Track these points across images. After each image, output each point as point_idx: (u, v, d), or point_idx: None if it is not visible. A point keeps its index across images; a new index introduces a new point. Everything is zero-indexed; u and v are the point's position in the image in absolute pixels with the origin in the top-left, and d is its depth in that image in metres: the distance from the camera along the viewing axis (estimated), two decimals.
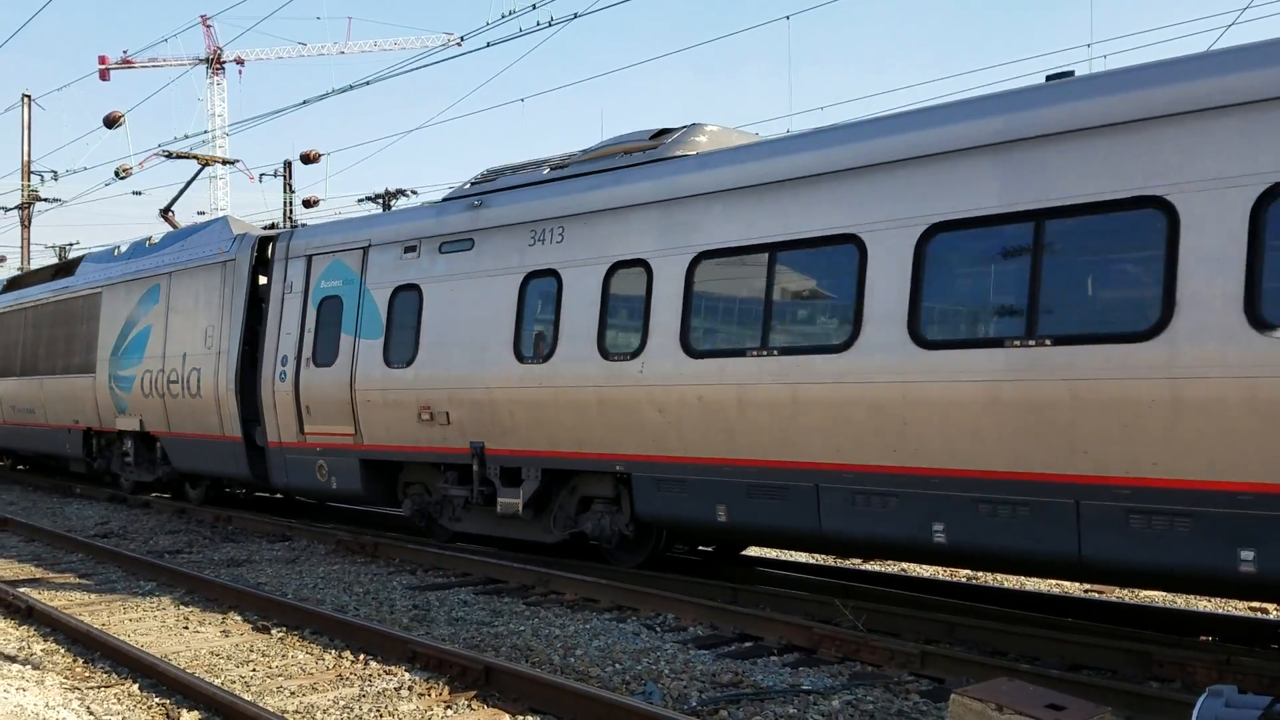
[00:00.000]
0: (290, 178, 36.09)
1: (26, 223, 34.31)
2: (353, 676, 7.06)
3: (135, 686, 6.80)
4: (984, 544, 7.61)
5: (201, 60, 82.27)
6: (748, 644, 7.91)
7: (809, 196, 8.63)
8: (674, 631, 8.29)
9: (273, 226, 15.94)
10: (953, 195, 7.77)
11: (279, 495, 15.64)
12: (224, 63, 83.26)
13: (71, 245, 43.84)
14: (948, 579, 10.46)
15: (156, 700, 6.52)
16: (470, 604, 9.35)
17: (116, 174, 27.80)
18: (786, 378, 8.55)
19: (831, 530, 8.43)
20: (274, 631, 8.37)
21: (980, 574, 10.80)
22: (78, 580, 10.77)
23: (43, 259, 43.82)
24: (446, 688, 6.72)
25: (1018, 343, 7.30)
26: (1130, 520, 6.90)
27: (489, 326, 10.96)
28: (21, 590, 9.63)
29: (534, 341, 10.50)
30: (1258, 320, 6.38)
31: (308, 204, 34.78)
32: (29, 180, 33.75)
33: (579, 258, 10.26)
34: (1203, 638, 8.10)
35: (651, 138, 10.51)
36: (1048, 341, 7.17)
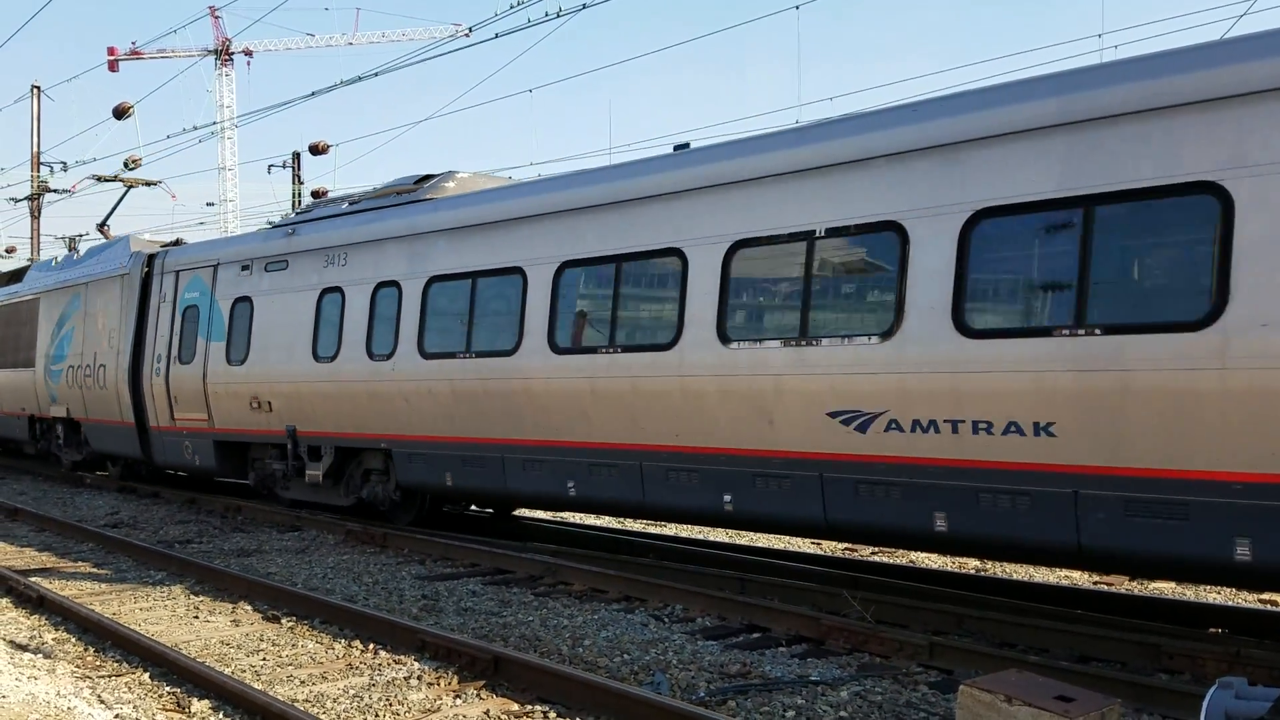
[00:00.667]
0: (299, 169, 36.15)
1: (36, 214, 34.38)
2: (362, 666, 7.09)
3: (146, 675, 6.84)
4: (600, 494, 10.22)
5: (210, 51, 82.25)
6: (756, 635, 7.92)
7: (494, 239, 11.34)
8: (682, 622, 8.30)
9: (177, 242, 18.03)
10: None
11: (169, 471, 18.18)
12: (232, 54, 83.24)
13: (81, 236, 43.95)
14: (956, 570, 10.45)
15: (167, 689, 6.55)
16: (479, 594, 9.37)
17: (126, 165, 27.84)
18: (479, 374, 11.18)
19: (514, 488, 11.12)
20: (284, 621, 8.40)
21: (989, 565, 10.79)
22: (88, 570, 10.82)
23: (52, 249, 43.98)
24: (455, 677, 6.74)
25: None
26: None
27: (297, 332, 13.74)
28: (33, 579, 9.68)
29: (326, 344, 13.27)
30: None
31: (316, 195, 34.80)
32: (39, 171, 33.82)
33: (356, 278, 13.00)
34: (1212, 630, 8.08)
35: (415, 183, 13.15)
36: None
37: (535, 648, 7.47)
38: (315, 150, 30.59)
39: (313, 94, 21.10)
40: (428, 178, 13.14)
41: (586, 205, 10.39)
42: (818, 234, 8.47)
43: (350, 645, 7.61)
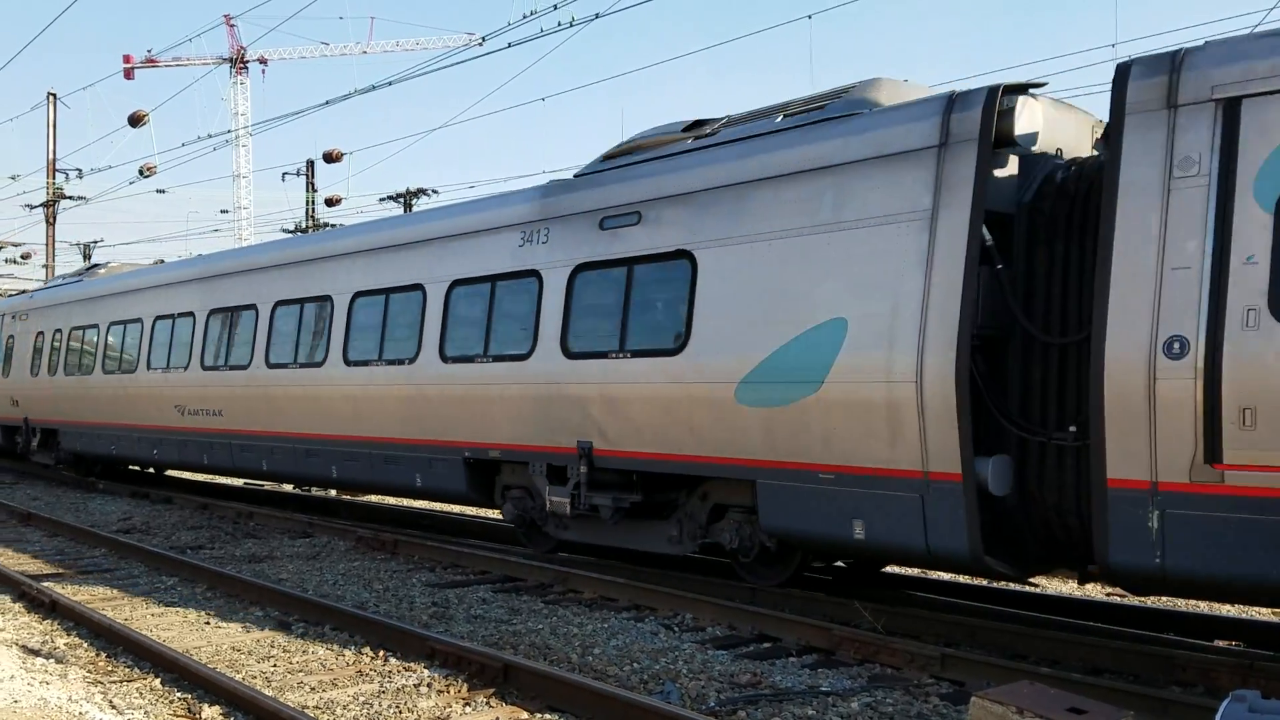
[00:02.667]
0: (313, 177, 36.31)
1: (52, 220, 34.60)
2: (372, 673, 7.09)
3: (157, 681, 6.85)
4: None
5: (225, 60, 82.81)
6: (766, 645, 7.90)
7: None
8: (692, 631, 8.28)
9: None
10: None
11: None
12: (247, 62, 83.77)
13: (96, 243, 44.26)
14: (968, 583, 10.40)
15: (178, 695, 6.57)
16: (489, 602, 9.37)
17: (140, 172, 28.02)
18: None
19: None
20: (295, 627, 8.41)
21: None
22: (101, 575, 10.87)
23: (67, 256, 44.25)
24: (465, 685, 6.74)
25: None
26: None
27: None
28: (45, 585, 9.72)
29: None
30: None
31: (330, 203, 34.97)
32: (54, 178, 34.04)
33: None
34: (1225, 642, 8.03)
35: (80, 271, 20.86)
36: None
37: (545, 656, 7.47)
38: (329, 158, 30.75)
39: (327, 103, 21.23)
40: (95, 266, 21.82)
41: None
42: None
43: (360, 652, 7.62)
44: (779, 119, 9.09)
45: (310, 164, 36.21)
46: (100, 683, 6.73)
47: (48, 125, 33.62)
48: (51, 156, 33.94)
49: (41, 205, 34.42)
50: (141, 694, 6.57)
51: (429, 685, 6.76)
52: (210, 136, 28.79)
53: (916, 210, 7.60)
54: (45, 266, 35.82)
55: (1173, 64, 6.52)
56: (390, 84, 18.93)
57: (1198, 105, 6.38)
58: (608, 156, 10.62)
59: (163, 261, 20.50)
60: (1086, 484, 6.97)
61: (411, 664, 7.25)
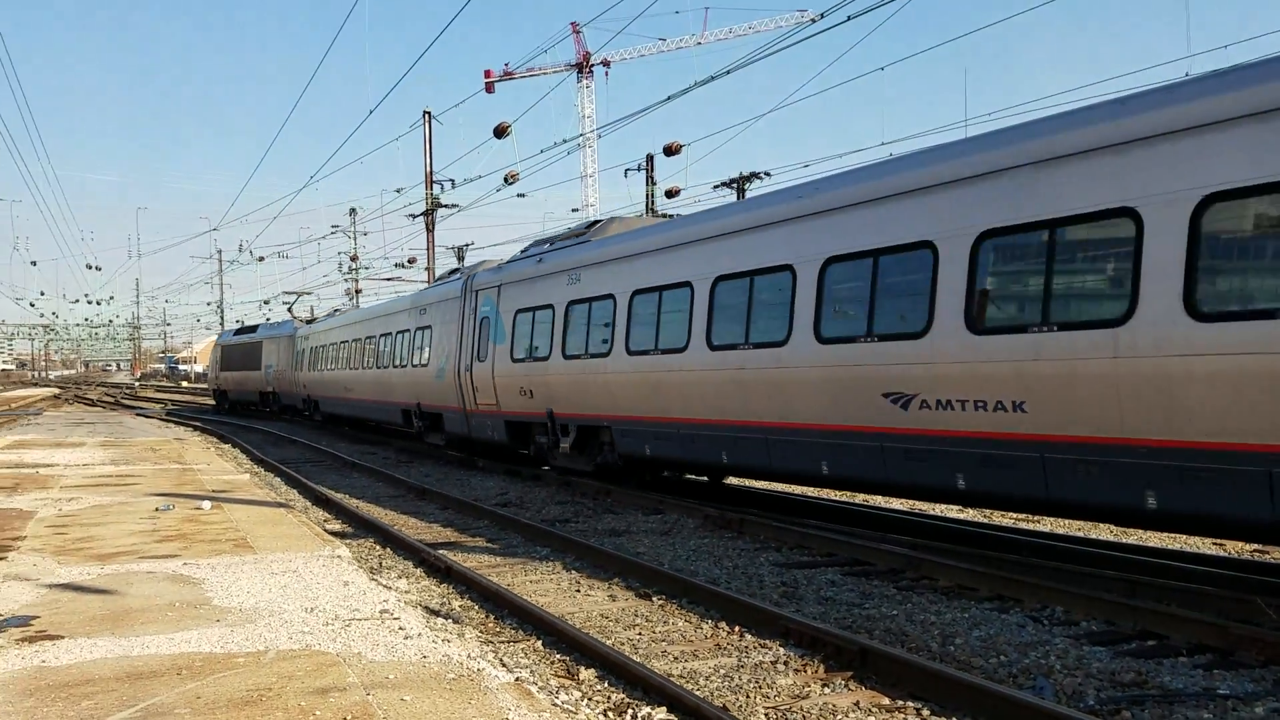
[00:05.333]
0: (652, 170, 37.85)
1: (430, 227, 38.61)
2: (729, 647, 7.29)
3: (539, 643, 7.47)
4: None
5: (572, 66, 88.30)
6: (1150, 642, 7.23)
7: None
8: (1063, 625, 7.76)
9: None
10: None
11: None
12: (592, 66, 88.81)
13: (468, 245, 48.88)
14: None
15: (557, 657, 7.11)
16: (838, 584, 9.32)
17: (505, 179, 30.54)
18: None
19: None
20: (655, 599, 8.83)
21: None
22: (484, 544, 12.01)
23: (444, 259, 49.17)
24: (822, 666, 6.75)
25: None
26: None
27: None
28: (440, 551, 10.89)
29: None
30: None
31: (669, 194, 36.29)
32: (431, 189, 37.91)
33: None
34: None
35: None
36: None
37: (902, 642, 7.30)
38: (669, 151, 31.82)
39: (668, 98, 21.93)
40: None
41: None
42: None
43: (717, 626, 7.86)
44: None
45: (650, 158, 37.77)
46: (491, 642, 7.43)
47: (424, 141, 37.43)
48: (429, 169, 37.80)
49: (421, 214, 38.46)
50: (526, 654, 7.18)
51: (785, 663, 6.84)
52: (564, 142, 30.77)
53: None
54: (426, 269, 40.04)
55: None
56: (728, 73, 19.18)
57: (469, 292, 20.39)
58: None
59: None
60: None
61: (767, 641, 7.36)
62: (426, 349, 23.30)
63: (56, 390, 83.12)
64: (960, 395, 9.30)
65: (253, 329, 46.28)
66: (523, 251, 20.03)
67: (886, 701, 6.04)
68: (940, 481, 9.68)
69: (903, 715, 5.85)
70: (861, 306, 10.46)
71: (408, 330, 24.97)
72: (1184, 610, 7.58)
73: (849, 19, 14.92)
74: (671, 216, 21.66)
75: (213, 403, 52.59)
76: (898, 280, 10.08)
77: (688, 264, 13.54)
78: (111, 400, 64.21)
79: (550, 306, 17.23)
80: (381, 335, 27.40)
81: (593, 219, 19.72)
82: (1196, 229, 7.48)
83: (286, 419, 40.60)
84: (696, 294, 13.25)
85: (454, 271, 25.15)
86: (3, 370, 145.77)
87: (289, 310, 49.54)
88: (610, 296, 15.31)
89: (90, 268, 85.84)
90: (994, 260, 9.17)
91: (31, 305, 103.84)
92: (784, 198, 12.04)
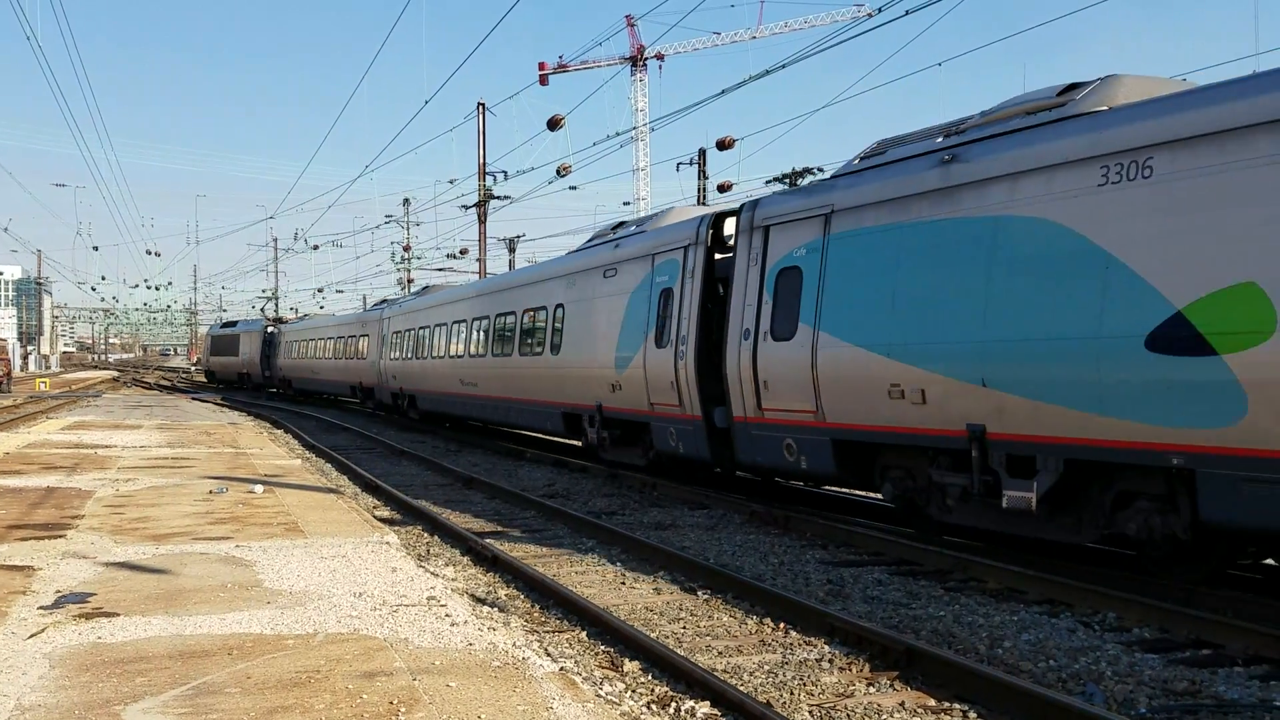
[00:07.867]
0: (704, 165, 37.73)
1: (483, 219, 38.84)
2: (774, 643, 7.26)
3: (583, 634, 7.50)
4: None
5: (626, 59, 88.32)
6: (1205, 651, 7.07)
7: None
8: (1115, 631, 7.62)
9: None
10: None
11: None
12: (646, 60, 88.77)
13: (519, 237, 49.16)
14: None
15: (602, 648, 7.14)
16: (885, 584, 9.24)
17: (558, 172, 30.67)
18: None
19: None
20: (699, 594, 8.82)
21: None
22: (530, 534, 12.08)
23: (495, 251, 49.54)
24: (867, 665, 6.70)
25: None
26: None
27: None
28: (487, 541, 10.97)
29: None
30: None
31: (721, 189, 36.15)
32: (484, 180, 38.14)
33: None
34: None
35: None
36: None
37: (949, 644, 7.22)
38: (722, 146, 31.69)
39: (722, 92, 21.83)
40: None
41: None
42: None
43: (762, 622, 7.83)
44: None
45: (702, 152, 37.62)
46: (536, 632, 7.48)
47: (478, 133, 37.61)
48: (482, 161, 38.02)
49: (474, 206, 38.71)
50: (570, 645, 7.21)
51: (830, 661, 6.80)
52: (617, 135, 30.79)
53: None
54: (478, 260, 40.31)
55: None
56: (783, 67, 19.06)
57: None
58: None
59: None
60: None
61: (812, 639, 7.33)
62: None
63: (115, 373, 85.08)
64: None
65: (233, 324, 60.81)
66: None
67: (932, 703, 5.98)
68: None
69: (949, 717, 5.79)
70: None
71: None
72: (1241, 620, 7.40)
73: (906, 14, 14.58)
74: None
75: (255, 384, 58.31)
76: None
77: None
78: (168, 384, 66.01)
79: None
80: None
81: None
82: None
83: (337, 407, 41.11)
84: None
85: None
86: (64, 353, 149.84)
87: (261, 312, 64.42)
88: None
89: (150, 253, 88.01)
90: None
91: (93, 289, 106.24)
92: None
